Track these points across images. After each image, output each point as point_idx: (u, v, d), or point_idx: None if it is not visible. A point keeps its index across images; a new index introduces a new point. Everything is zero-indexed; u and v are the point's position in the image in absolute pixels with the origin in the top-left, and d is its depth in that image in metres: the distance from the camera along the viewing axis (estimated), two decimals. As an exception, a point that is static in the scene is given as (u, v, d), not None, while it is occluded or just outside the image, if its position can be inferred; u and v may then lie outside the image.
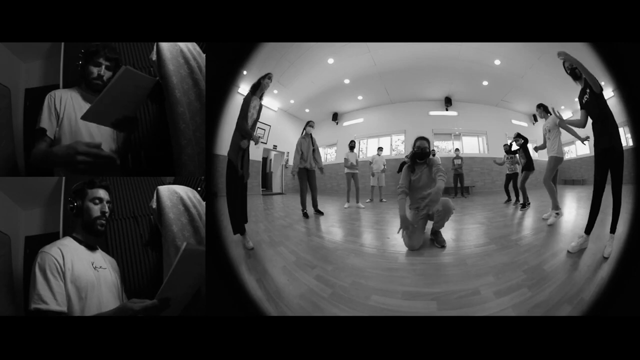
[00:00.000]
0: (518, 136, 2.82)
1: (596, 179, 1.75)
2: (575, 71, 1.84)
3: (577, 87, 1.91)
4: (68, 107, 1.56)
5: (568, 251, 1.78)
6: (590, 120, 1.85)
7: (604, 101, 1.75)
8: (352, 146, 3.07)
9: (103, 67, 1.60)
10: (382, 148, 3.13)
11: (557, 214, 2.35)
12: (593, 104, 1.79)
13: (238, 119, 2.16)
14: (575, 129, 2.08)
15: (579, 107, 1.99)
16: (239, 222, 2.18)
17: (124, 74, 1.39)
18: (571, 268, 1.66)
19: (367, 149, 3.24)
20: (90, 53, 1.60)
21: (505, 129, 2.97)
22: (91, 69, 1.60)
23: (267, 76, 2.27)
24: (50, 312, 1.25)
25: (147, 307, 1.29)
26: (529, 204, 2.78)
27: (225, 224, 2.03)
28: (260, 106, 2.31)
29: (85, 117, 1.44)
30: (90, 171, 1.41)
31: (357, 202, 3.03)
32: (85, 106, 1.56)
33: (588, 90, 1.80)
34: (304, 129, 2.80)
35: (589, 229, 1.77)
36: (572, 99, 2.11)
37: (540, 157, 2.63)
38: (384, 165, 3.10)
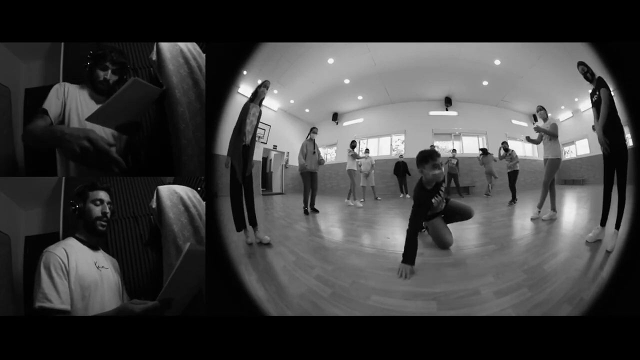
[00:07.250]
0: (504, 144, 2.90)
1: (605, 177, 1.85)
2: (587, 75, 1.92)
3: (578, 87, 1.98)
4: (74, 100, 1.57)
5: (586, 241, 1.90)
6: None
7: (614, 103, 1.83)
8: (353, 146, 3.12)
9: (109, 71, 1.62)
10: (368, 150, 3.19)
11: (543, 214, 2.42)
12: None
13: (235, 126, 2.26)
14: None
15: (578, 107, 2.03)
16: (242, 220, 2.25)
17: (132, 85, 1.39)
18: (574, 265, 1.68)
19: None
20: (98, 56, 1.62)
21: (505, 129, 2.97)
22: (98, 72, 1.62)
23: (264, 84, 2.35)
24: (55, 310, 1.26)
25: (148, 309, 1.30)
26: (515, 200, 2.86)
27: (226, 224, 2.03)
28: (260, 112, 2.38)
29: (90, 119, 1.45)
30: (88, 162, 1.37)
31: (355, 199, 3.13)
32: (91, 103, 1.60)
33: (597, 92, 1.87)
34: (309, 134, 2.94)
35: (603, 222, 1.87)
36: (572, 99, 2.12)
37: (538, 156, 2.63)
38: (373, 164, 3.15)
